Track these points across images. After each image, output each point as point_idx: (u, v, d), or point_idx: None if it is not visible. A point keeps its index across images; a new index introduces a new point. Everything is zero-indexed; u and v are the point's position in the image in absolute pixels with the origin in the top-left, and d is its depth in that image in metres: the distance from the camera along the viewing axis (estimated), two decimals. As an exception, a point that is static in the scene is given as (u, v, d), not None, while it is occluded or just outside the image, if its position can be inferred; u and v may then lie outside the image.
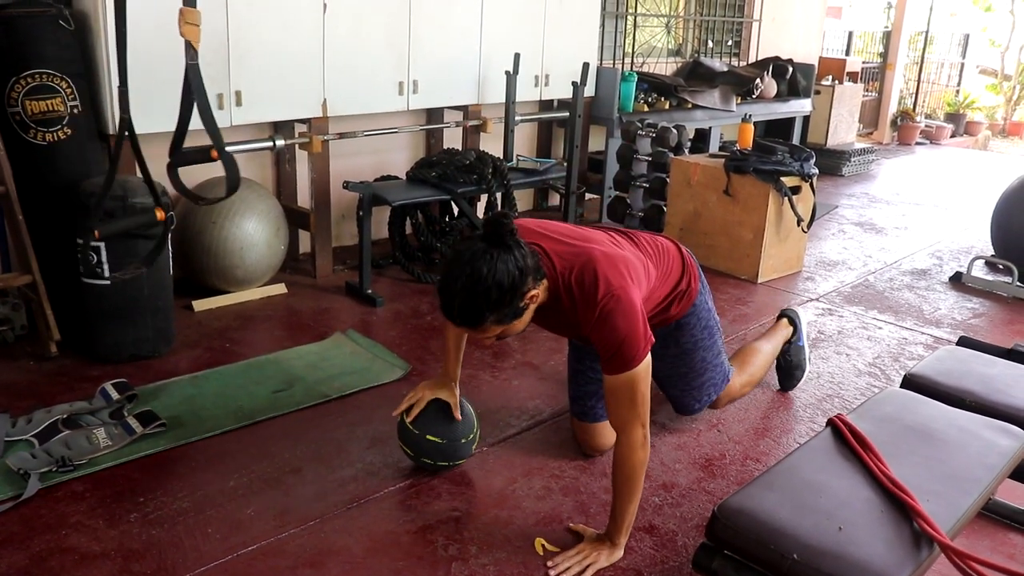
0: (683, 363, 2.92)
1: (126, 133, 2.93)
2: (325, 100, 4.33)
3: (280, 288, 4.31)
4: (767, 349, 3.32)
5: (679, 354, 2.90)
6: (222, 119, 3.58)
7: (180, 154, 3.40)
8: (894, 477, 2.03)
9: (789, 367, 3.46)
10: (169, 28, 3.65)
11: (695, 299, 2.80)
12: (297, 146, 4.49)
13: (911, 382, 2.68)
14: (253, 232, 4.06)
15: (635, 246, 2.58)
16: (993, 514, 2.69)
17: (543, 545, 2.41)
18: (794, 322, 3.45)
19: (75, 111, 3.46)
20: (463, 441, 2.70)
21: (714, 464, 2.93)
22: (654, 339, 2.27)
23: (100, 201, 3.02)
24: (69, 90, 3.44)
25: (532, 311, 2.27)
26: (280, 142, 4.28)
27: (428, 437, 2.64)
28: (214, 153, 3.27)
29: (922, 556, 1.83)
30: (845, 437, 2.21)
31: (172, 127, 3.76)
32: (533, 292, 2.19)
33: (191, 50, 3.03)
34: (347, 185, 4.33)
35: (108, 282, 3.32)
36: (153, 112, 3.71)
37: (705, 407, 3.05)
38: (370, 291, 4.29)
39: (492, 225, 2.14)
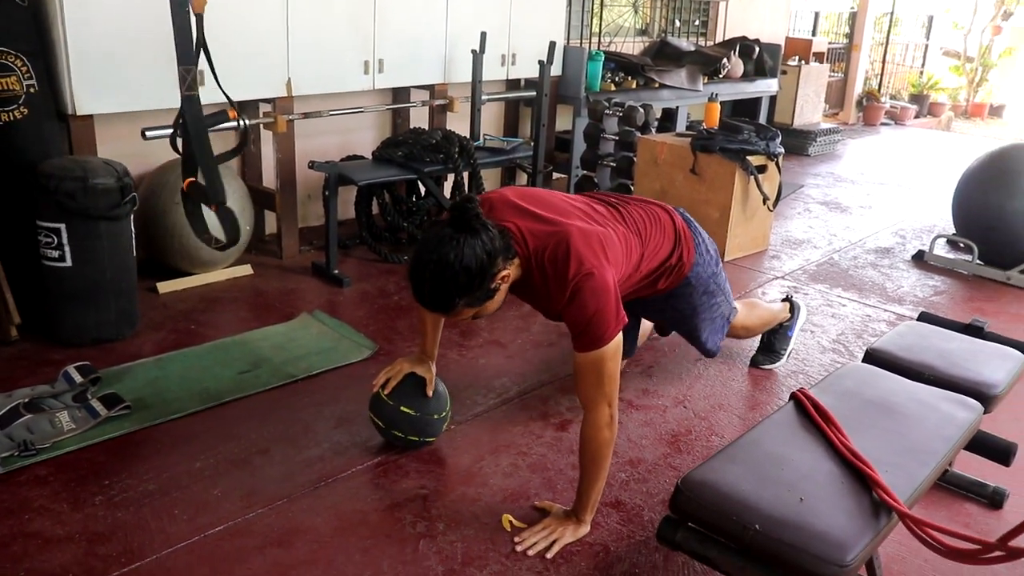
0: (681, 322, 3.02)
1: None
2: (289, 79, 4.29)
3: (246, 269, 4.29)
4: (768, 310, 3.48)
5: (677, 317, 2.99)
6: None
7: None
8: (855, 449, 2.06)
9: (769, 348, 3.55)
10: (129, 6, 3.60)
11: (688, 273, 2.82)
12: (262, 126, 4.45)
13: (872, 356, 2.71)
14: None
15: (621, 219, 2.58)
16: (949, 485, 2.75)
17: (510, 521, 2.43)
18: (794, 311, 3.58)
19: (31, 90, 3.41)
20: (435, 417, 2.71)
21: (680, 440, 2.97)
22: (627, 319, 2.29)
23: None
24: (24, 68, 3.38)
25: (505, 291, 2.28)
26: (244, 122, 4.23)
27: (402, 408, 2.65)
28: (232, 112, 3.37)
29: (880, 525, 1.86)
30: (808, 411, 2.24)
31: (136, 107, 3.74)
32: (504, 272, 2.21)
33: (201, 24, 3.05)
34: (313, 165, 4.30)
35: (71, 265, 3.29)
36: (116, 92, 3.66)
37: (719, 350, 3.16)
38: (336, 271, 4.28)
39: (457, 210, 2.15)
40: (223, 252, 4.00)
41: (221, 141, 4.54)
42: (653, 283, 2.77)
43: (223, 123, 3.52)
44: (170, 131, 3.34)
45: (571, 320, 2.24)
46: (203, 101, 3.78)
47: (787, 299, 3.64)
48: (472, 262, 2.11)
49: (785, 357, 3.56)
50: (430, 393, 2.68)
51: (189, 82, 2.82)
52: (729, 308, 3.11)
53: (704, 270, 2.88)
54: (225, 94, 3.30)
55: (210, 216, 3.45)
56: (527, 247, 2.29)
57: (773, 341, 3.55)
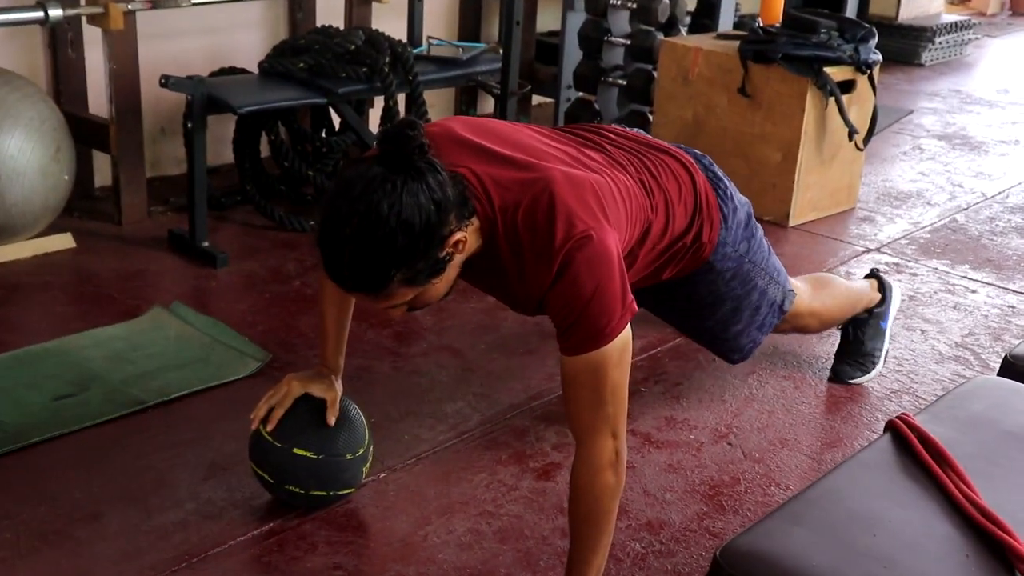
0: (703, 317, 3.09)
1: None
2: (129, -50, 4.27)
3: (64, 240, 4.27)
4: (848, 289, 3.53)
5: (693, 309, 3.05)
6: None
7: None
8: (985, 505, 2.07)
9: (857, 350, 3.57)
10: None
11: (708, 256, 2.87)
12: (85, 20, 4.40)
13: (1016, 367, 2.72)
14: (17, 154, 3.98)
15: (622, 168, 2.60)
16: None
17: (469, 617, 2.45)
18: (884, 291, 3.60)
19: None
20: (348, 458, 2.71)
21: (723, 493, 2.98)
22: (636, 308, 2.31)
23: None
24: None
25: (458, 266, 2.28)
26: (56, 13, 4.17)
27: (296, 451, 2.65)
28: None
29: (1028, 619, 1.89)
30: (913, 447, 2.25)
31: None
32: (458, 236, 2.20)
33: None
34: (167, 82, 4.26)
35: None
36: None
37: (751, 354, 3.26)
38: (206, 244, 4.27)
39: (393, 140, 2.14)
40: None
41: (22, 44, 4.49)
42: (656, 271, 2.81)
43: None
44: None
45: (558, 307, 2.25)
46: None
47: (873, 275, 3.67)
48: (415, 216, 2.09)
49: (881, 363, 3.59)
50: (331, 420, 2.68)
51: None
52: (781, 291, 3.15)
53: (732, 249, 2.93)
54: None
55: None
56: (490, 204, 2.29)
57: (861, 338, 3.56)
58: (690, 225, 2.79)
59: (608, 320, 2.22)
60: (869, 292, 3.57)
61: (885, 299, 3.59)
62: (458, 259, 2.26)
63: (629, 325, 2.27)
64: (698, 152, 2.97)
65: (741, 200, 3.00)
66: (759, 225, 3.10)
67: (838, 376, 3.59)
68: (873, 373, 3.58)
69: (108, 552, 2.59)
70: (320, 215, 2.20)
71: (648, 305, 3.06)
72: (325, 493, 2.73)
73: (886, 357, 3.62)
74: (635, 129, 2.96)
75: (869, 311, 3.55)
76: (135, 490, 2.82)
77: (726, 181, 2.96)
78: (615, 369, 2.24)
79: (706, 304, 3.02)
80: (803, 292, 3.27)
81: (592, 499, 2.28)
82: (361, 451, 2.75)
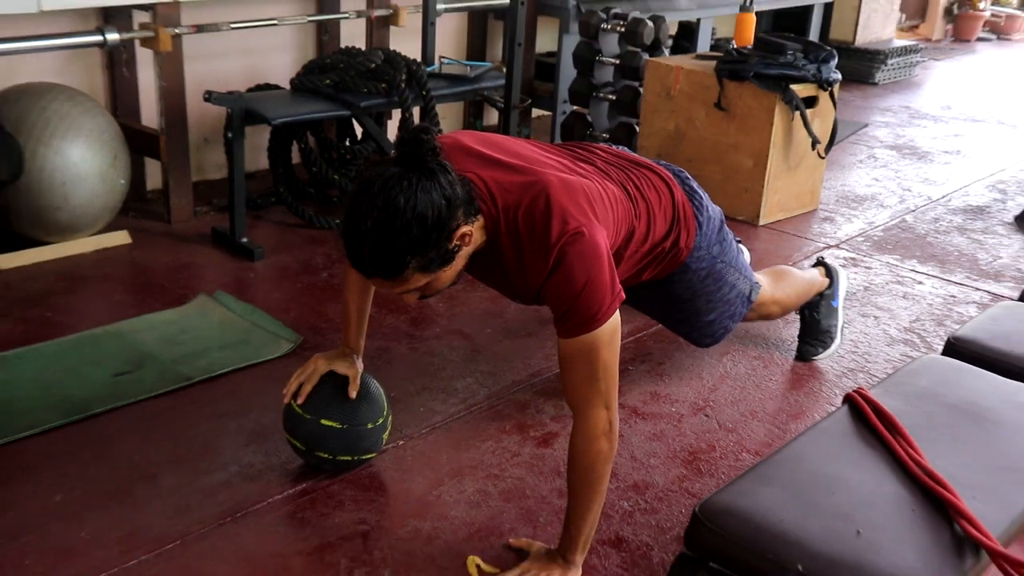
0: (679, 309, 3.14)
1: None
2: (177, -21, 4.28)
3: (121, 237, 4.29)
4: (802, 277, 3.57)
5: (671, 302, 3.10)
6: (25, 2, 3.49)
7: None
8: (930, 467, 2.09)
9: (815, 329, 3.63)
10: None
11: (685, 259, 2.93)
12: (138, 43, 4.41)
13: (956, 348, 2.74)
14: (80, 161, 4.01)
15: (610, 179, 2.64)
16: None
17: (478, 565, 2.46)
18: (831, 275, 3.66)
19: None
20: (369, 427, 2.74)
21: (700, 458, 3.01)
22: (624, 295, 2.33)
23: None
24: None
25: (465, 257, 2.31)
26: (113, 36, 4.20)
27: (323, 422, 2.68)
28: None
29: (966, 567, 1.90)
30: (867, 417, 2.27)
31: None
32: (465, 230, 2.23)
33: None
34: (210, 97, 4.28)
35: None
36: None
37: (722, 339, 3.31)
38: (245, 240, 4.29)
39: (409, 143, 2.16)
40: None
41: (83, 65, 4.51)
42: (638, 272, 2.87)
43: None
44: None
45: (554, 297, 2.28)
46: (61, 5, 3.73)
47: (820, 263, 3.74)
48: (427, 209, 2.12)
49: (839, 337, 3.65)
50: (353, 394, 2.71)
51: None
52: (749, 284, 3.20)
53: (706, 252, 2.99)
54: None
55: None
56: (494, 204, 2.32)
57: (817, 318, 3.62)
58: (669, 231, 2.83)
59: (599, 307, 2.25)
60: (819, 279, 3.63)
61: (833, 282, 3.65)
62: (465, 251, 2.28)
63: (618, 311, 2.30)
64: (676, 168, 3.04)
65: (715, 209, 3.06)
66: (730, 230, 3.15)
67: (803, 355, 3.62)
68: (833, 348, 3.63)
69: (163, 508, 2.62)
70: (344, 210, 2.22)
71: (630, 300, 3.07)
72: (350, 458, 2.75)
73: (843, 331, 3.67)
74: (621, 147, 3.01)
75: (820, 294, 3.61)
76: (185, 454, 2.86)
77: (701, 193, 3.02)
78: (606, 349, 2.27)
79: (684, 299, 3.08)
80: (766, 284, 3.33)
81: (588, 464, 2.31)
82: (381, 420, 2.78)
